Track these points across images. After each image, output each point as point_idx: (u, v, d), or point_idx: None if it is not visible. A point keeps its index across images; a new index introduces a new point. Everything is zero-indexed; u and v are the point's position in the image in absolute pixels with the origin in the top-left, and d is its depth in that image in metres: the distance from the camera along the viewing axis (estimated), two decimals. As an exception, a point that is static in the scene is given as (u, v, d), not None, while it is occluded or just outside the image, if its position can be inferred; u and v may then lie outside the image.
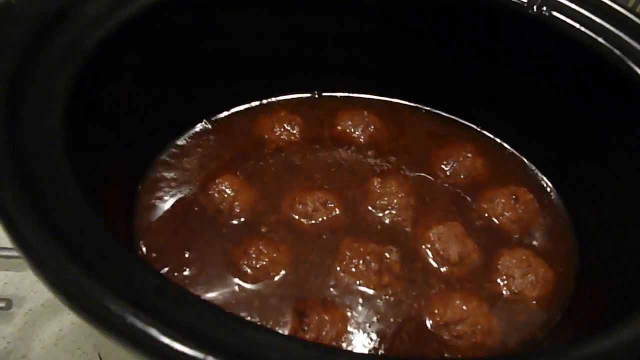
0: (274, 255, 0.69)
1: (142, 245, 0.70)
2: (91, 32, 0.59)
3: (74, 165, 0.50)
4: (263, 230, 0.73)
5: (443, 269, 0.71)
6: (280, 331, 0.64)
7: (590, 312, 0.68)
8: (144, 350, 0.40)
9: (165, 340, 0.40)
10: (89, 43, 0.58)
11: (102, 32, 0.60)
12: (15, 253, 0.82)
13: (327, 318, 0.64)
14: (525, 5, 0.76)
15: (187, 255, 0.69)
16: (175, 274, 0.67)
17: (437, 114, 0.92)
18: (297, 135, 0.85)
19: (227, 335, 0.42)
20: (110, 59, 0.62)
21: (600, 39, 0.72)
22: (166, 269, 0.68)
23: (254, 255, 0.68)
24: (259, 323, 0.64)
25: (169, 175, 0.78)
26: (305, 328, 0.63)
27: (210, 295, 0.66)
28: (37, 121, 0.51)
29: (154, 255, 0.69)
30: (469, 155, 0.83)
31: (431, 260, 0.72)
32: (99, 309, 0.41)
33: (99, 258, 0.44)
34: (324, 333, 0.63)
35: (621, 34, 0.72)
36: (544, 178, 0.85)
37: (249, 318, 0.65)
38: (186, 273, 0.68)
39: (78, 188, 0.48)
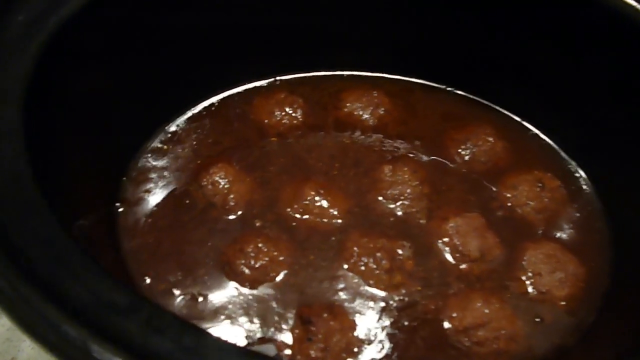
0: (274, 253, 0.63)
1: (129, 247, 0.64)
2: (56, 7, 0.52)
3: (35, 163, 0.44)
4: (261, 226, 0.67)
5: (462, 266, 0.65)
6: (283, 340, 0.58)
7: (628, 313, 0.61)
8: (111, 385, 0.34)
9: (136, 373, 0.34)
10: (54, 20, 0.51)
11: (69, 7, 0.53)
12: None
13: (335, 326, 0.57)
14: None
15: (176, 256, 0.64)
16: (163, 277, 0.62)
17: (453, 92, 0.85)
18: (300, 119, 0.78)
19: (209, 366, 0.35)
20: (79, 39, 0.55)
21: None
22: (153, 272, 0.62)
23: (252, 254, 0.62)
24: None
25: (159, 164, 0.72)
26: (312, 338, 0.56)
27: (202, 301, 0.60)
28: (-8, 112, 0.44)
29: (142, 256, 0.63)
30: (489, 138, 0.76)
31: (448, 257, 0.66)
32: (56, 336, 0.35)
33: (59, 274, 0.38)
34: (332, 343, 0.56)
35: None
36: (572, 162, 0.78)
37: (247, 325, 0.59)
38: (173, 277, 0.62)
39: (38, 191, 0.42)
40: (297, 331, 0.58)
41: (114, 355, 0.34)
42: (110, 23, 0.61)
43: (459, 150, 0.76)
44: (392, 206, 0.70)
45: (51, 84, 0.51)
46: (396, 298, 0.62)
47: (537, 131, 0.81)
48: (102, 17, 0.59)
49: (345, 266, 0.64)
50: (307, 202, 0.68)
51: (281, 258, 0.63)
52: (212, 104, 0.80)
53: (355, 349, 0.58)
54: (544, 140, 0.80)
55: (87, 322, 0.35)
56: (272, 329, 0.59)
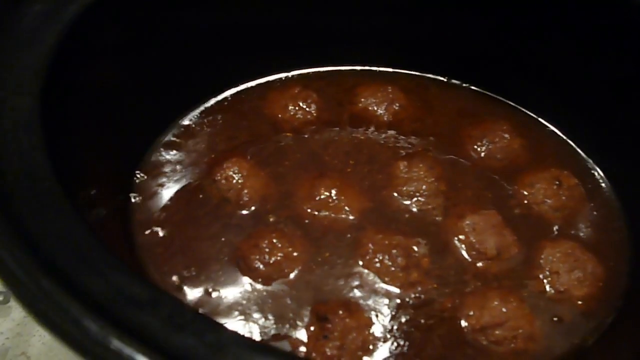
0: (288, 249, 0.62)
1: (142, 241, 0.63)
2: (72, -1, 0.51)
3: (52, 154, 0.43)
4: (275, 221, 0.66)
5: (479, 264, 0.64)
6: (298, 337, 0.57)
7: (647, 313, 0.60)
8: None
9: (158, 370, 0.33)
10: (71, 11, 0.50)
11: (86, -1, 0.52)
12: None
13: (351, 324, 0.56)
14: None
15: (190, 251, 0.63)
16: (177, 272, 0.61)
17: (469, 88, 0.84)
18: (314, 114, 0.77)
19: (232, 363, 0.34)
20: (96, 30, 0.54)
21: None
22: (166, 267, 0.61)
23: (266, 250, 0.62)
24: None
25: (173, 158, 0.71)
26: (328, 336, 0.55)
27: (216, 296, 0.59)
28: (9, 103, 0.44)
29: (155, 251, 0.62)
30: (506, 135, 0.75)
31: (465, 254, 0.65)
32: (76, 331, 0.34)
33: (79, 268, 0.37)
34: (348, 341, 0.55)
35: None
36: (590, 160, 0.77)
37: (261, 321, 0.58)
38: (187, 272, 0.61)
39: (56, 183, 0.41)
40: (312, 328, 0.57)
41: (135, 351, 0.33)
42: (125, 16, 0.60)
43: (475, 147, 0.75)
44: (407, 203, 0.69)
45: (67, 75, 0.51)
46: (412, 296, 0.61)
47: (554, 128, 0.79)
48: (117, 10, 0.58)
49: (361, 263, 0.63)
50: (321, 199, 0.67)
51: (296, 254, 0.62)
52: (226, 99, 0.79)
53: (371, 347, 0.57)
54: (561, 137, 0.79)
55: (108, 317, 0.35)
56: (287, 326, 0.58)
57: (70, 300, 0.35)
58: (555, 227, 0.69)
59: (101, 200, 0.57)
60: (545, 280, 0.63)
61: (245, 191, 0.67)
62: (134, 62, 0.64)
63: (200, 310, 0.57)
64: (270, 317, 0.58)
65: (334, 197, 0.67)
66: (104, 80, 0.59)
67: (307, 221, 0.66)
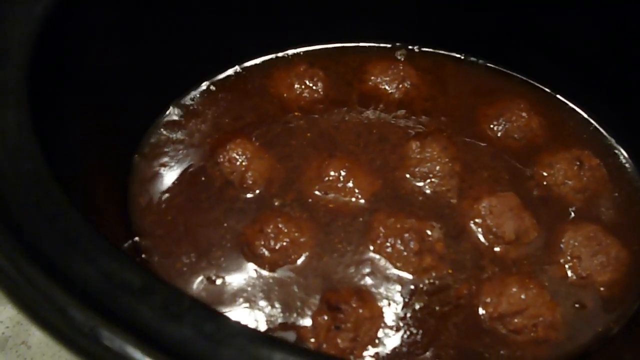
0: (295, 234, 0.59)
1: (141, 226, 0.60)
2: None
3: (40, 132, 0.40)
4: (280, 205, 0.63)
5: (496, 249, 0.61)
6: (307, 327, 0.54)
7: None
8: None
9: (149, 363, 0.31)
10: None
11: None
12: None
13: (365, 314, 0.54)
14: None
15: (192, 236, 0.60)
16: (177, 258, 0.58)
17: (485, 65, 0.80)
18: (321, 93, 0.74)
19: (233, 356, 0.31)
20: (89, 4, 0.50)
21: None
22: (166, 253, 0.59)
23: (271, 235, 0.59)
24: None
25: (174, 137, 0.69)
26: (340, 326, 0.52)
27: (220, 283, 0.57)
28: (-8, 75, 0.41)
29: (155, 236, 0.60)
30: (523, 113, 0.72)
31: (481, 238, 0.62)
32: (62, 321, 0.31)
33: (66, 252, 0.34)
34: (362, 333, 0.53)
35: None
36: (612, 139, 0.73)
37: (267, 310, 0.55)
38: (187, 258, 0.58)
39: (43, 163, 0.38)
40: (324, 317, 0.54)
41: (127, 343, 0.31)
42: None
43: (492, 126, 0.72)
44: (420, 184, 0.66)
45: (58, 48, 0.48)
46: (426, 282, 0.58)
47: (574, 106, 0.76)
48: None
49: (372, 248, 0.60)
50: (330, 181, 0.64)
51: (303, 239, 0.60)
52: (229, 77, 0.76)
53: (385, 337, 0.54)
54: (582, 115, 0.75)
55: (96, 306, 0.32)
56: (295, 315, 0.55)
57: (55, 288, 0.32)
58: (577, 210, 0.65)
59: (96, 182, 0.54)
60: (566, 266, 0.61)
61: (250, 174, 0.64)
62: (131, 37, 0.61)
63: (201, 299, 0.54)
64: (276, 305, 0.56)
65: (344, 179, 0.64)
66: (98, 56, 0.56)
67: (315, 204, 0.63)
